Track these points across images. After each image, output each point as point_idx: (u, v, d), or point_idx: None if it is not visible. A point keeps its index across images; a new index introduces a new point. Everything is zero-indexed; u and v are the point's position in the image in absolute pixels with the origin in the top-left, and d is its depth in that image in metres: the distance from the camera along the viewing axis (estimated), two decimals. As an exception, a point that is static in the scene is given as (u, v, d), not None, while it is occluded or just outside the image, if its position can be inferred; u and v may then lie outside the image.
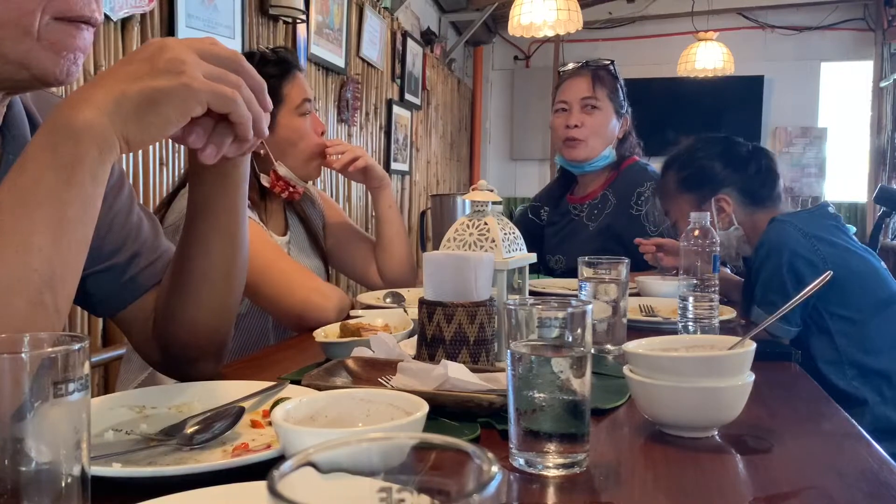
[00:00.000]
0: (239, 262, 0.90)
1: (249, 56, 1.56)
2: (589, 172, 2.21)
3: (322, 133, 1.64)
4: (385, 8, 4.47)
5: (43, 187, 0.64)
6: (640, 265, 1.83)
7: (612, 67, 2.20)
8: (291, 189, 1.59)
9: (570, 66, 2.25)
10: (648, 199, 2.05)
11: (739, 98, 6.43)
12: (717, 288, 1.22)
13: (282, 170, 1.57)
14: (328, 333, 1.12)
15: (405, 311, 1.27)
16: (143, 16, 2.26)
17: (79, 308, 0.83)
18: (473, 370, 0.85)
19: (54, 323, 0.66)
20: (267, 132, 0.74)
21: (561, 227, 2.25)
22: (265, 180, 1.58)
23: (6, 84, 0.74)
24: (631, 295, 1.36)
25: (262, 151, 1.57)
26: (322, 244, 1.76)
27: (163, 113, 0.66)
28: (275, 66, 1.56)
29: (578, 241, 2.14)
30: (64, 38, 0.70)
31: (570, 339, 0.66)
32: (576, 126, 2.13)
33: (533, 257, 1.10)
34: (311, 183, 1.73)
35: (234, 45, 2.71)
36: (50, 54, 0.70)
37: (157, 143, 2.30)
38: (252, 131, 0.71)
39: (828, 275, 0.89)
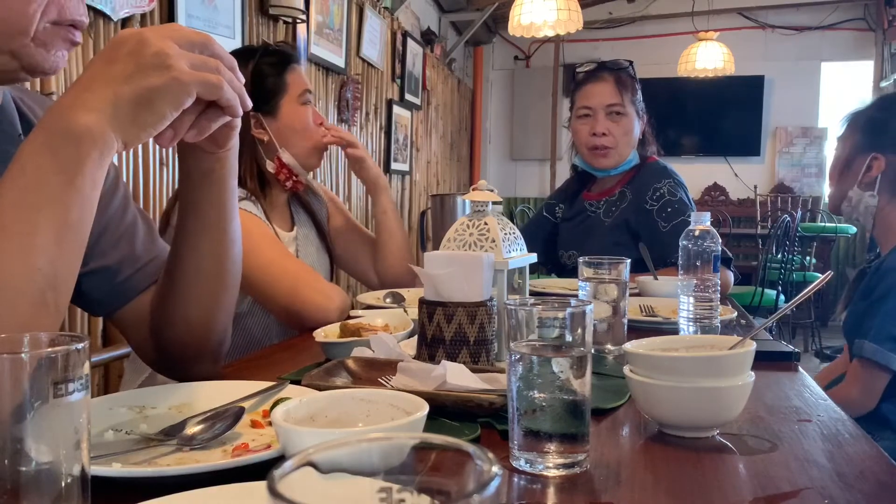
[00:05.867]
0: (230, 259, 0.90)
1: (252, 51, 1.58)
2: (612, 175, 2.20)
3: (321, 124, 1.67)
4: (385, 8, 4.47)
5: (45, 189, 0.65)
6: (653, 258, 1.81)
7: (631, 70, 2.18)
8: (294, 178, 1.61)
9: (587, 66, 2.21)
10: (663, 195, 2.04)
11: (739, 98, 6.44)
12: (717, 288, 1.22)
13: (286, 156, 1.59)
14: (328, 333, 1.12)
15: (405, 311, 1.27)
16: (143, 16, 2.26)
17: (79, 308, 0.84)
18: (473, 370, 0.85)
19: (55, 322, 0.67)
20: (250, 103, 0.75)
21: (577, 224, 2.24)
22: (270, 166, 1.60)
23: None
24: (631, 295, 1.36)
25: (265, 138, 1.59)
26: (328, 239, 1.77)
27: (157, 110, 0.67)
28: (277, 57, 1.61)
29: (593, 236, 2.13)
30: (55, 40, 0.75)
31: (570, 339, 0.66)
32: (603, 134, 2.10)
33: (533, 257, 1.10)
34: (311, 176, 1.74)
35: (235, 44, 2.71)
36: (41, 51, 0.75)
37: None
38: (240, 108, 0.73)
39: (828, 275, 0.89)
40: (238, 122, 0.78)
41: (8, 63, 0.74)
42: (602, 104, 2.12)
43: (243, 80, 0.74)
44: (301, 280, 1.39)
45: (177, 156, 0.84)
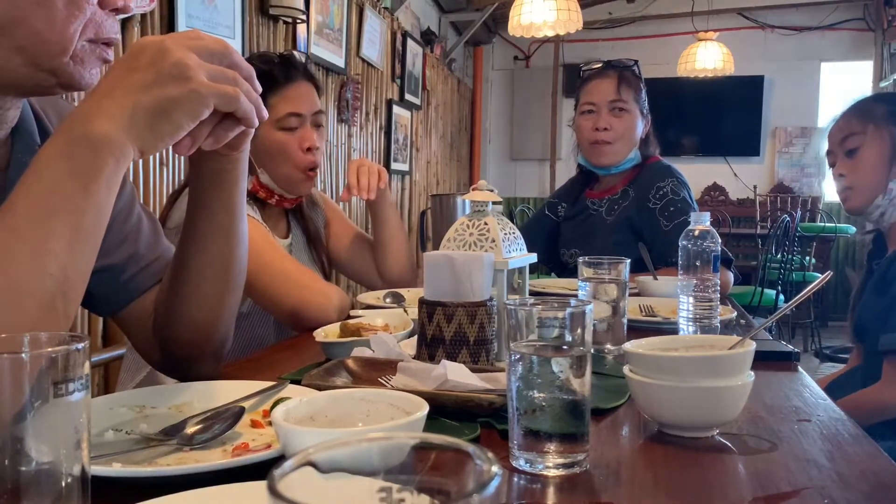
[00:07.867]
0: (237, 261, 0.90)
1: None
2: (614, 174, 2.19)
3: (308, 149, 1.55)
4: (385, 8, 4.47)
5: (61, 195, 0.66)
6: (655, 257, 1.81)
7: (636, 69, 2.18)
8: (277, 197, 1.58)
9: (594, 65, 2.21)
10: (666, 194, 2.04)
11: (739, 98, 6.44)
12: (717, 288, 1.22)
13: (263, 178, 1.56)
14: (328, 333, 1.12)
15: (405, 311, 1.27)
16: (143, 16, 2.26)
17: (81, 307, 0.84)
18: (473, 370, 0.85)
19: (62, 327, 0.67)
20: (266, 114, 0.76)
21: (579, 223, 2.23)
22: (249, 182, 1.56)
23: (31, 89, 0.78)
24: (631, 295, 1.36)
25: None
26: (323, 246, 1.76)
27: (175, 120, 0.68)
28: (264, 77, 1.53)
29: (595, 234, 2.12)
30: (91, 59, 0.77)
31: (570, 339, 0.66)
32: (605, 129, 2.10)
33: (533, 257, 1.10)
34: None
35: (234, 45, 2.71)
36: (79, 69, 0.76)
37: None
38: (256, 119, 0.74)
39: (828, 274, 0.89)
40: (253, 130, 0.78)
41: (46, 80, 0.75)
42: (605, 100, 2.12)
43: (260, 90, 0.75)
44: (299, 281, 1.39)
45: (187, 157, 0.84)
